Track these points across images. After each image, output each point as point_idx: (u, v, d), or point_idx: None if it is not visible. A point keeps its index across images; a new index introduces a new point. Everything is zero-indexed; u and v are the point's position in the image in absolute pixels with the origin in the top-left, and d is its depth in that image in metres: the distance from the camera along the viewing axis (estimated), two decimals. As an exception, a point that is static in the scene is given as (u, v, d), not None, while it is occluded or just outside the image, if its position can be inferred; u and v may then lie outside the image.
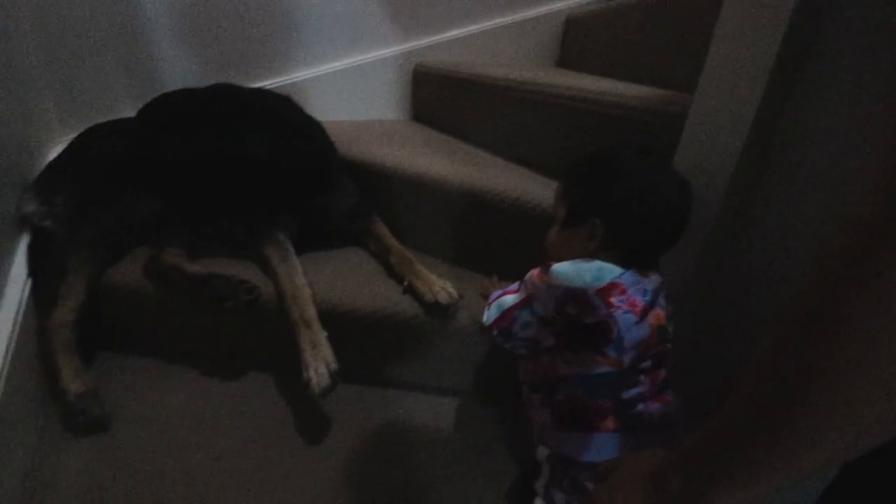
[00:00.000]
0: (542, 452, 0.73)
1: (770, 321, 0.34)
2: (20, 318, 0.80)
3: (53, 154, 1.01)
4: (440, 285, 0.91)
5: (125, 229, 0.97)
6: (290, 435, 0.85)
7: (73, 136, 1.03)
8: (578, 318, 0.65)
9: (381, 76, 1.52)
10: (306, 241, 1.01)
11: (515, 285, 0.75)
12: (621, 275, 0.66)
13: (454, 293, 0.91)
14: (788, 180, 0.73)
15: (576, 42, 1.68)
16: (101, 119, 1.07)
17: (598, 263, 0.67)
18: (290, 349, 0.84)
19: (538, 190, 0.96)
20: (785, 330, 0.30)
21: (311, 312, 0.86)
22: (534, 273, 0.71)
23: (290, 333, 0.84)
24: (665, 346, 0.69)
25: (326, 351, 0.82)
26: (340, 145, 1.11)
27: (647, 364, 0.67)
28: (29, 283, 0.85)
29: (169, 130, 0.95)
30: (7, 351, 0.75)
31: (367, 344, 0.94)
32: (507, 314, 0.72)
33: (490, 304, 0.76)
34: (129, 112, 1.05)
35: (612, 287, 0.65)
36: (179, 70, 1.23)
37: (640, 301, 0.66)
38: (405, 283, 0.94)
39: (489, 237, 1.03)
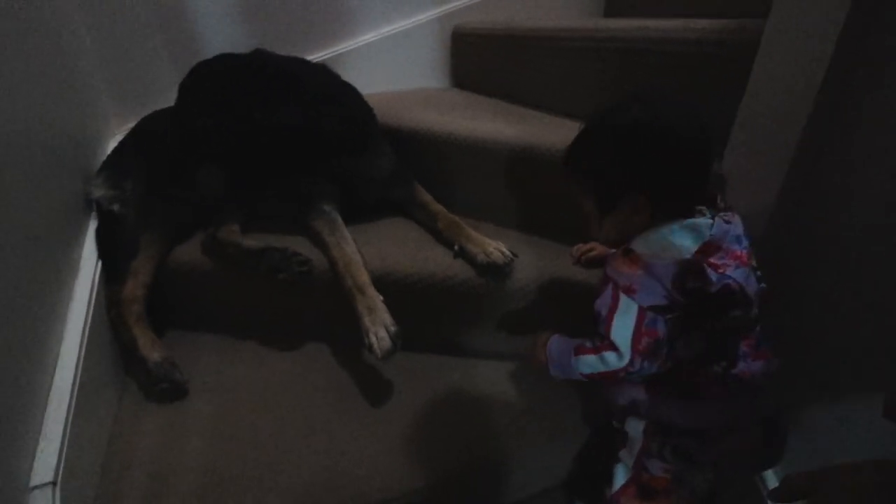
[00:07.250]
0: (634, 425, 0.68)
1: None
2: (94, 295, 0.84)
3: (111, 144, 1.04)
4: (493, 246, 0.88)
5: (190, 209, 1.00)
6: (352, 401, 0.86)
7: (128, 126, 1.06)
8: (703, 289, 0.56)
9: (419, 43, 1.48)
10: (351, 213, 1.01)
11: (604, 303, 0.62)
12: (711, 227, 0.58)
13: (508, 252, 0.87)
14: (883, 111, 0.63)
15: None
16: (154, 107, 1.09)
17: (684, 223, 0.59)
18: (347, 318, 0.83)
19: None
20: None
21: (364, 278, 0.85)
22: (617, 264, 0.61)
23: (347, 302, 0.84)
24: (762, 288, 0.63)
25: (384, 314, 0.81)
26: (381, 114, 1.09)
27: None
28: (99, 263, 0.89)
29: (208, 106, 0.94)
30: (85, 326, 0.79)
31: (421, 311, 0.92)
32: (639, 333, 0.59)
33: (601, 350, 0.62)
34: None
35: (706, 247, 0.58)
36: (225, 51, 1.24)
37: (740, 250, 0.59)
38: (456, 248, 0.92)
39: (549, 197, 0.97)
